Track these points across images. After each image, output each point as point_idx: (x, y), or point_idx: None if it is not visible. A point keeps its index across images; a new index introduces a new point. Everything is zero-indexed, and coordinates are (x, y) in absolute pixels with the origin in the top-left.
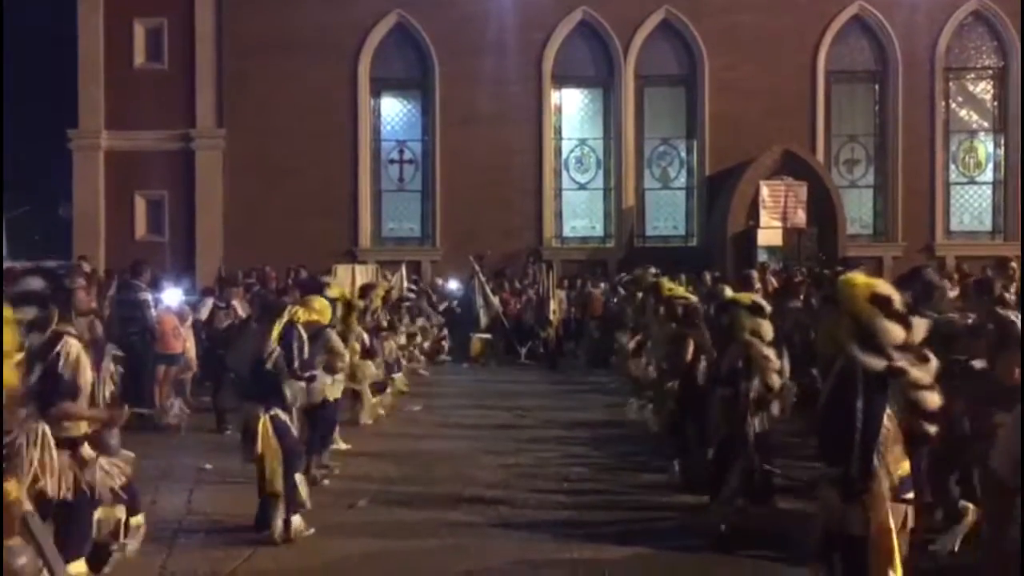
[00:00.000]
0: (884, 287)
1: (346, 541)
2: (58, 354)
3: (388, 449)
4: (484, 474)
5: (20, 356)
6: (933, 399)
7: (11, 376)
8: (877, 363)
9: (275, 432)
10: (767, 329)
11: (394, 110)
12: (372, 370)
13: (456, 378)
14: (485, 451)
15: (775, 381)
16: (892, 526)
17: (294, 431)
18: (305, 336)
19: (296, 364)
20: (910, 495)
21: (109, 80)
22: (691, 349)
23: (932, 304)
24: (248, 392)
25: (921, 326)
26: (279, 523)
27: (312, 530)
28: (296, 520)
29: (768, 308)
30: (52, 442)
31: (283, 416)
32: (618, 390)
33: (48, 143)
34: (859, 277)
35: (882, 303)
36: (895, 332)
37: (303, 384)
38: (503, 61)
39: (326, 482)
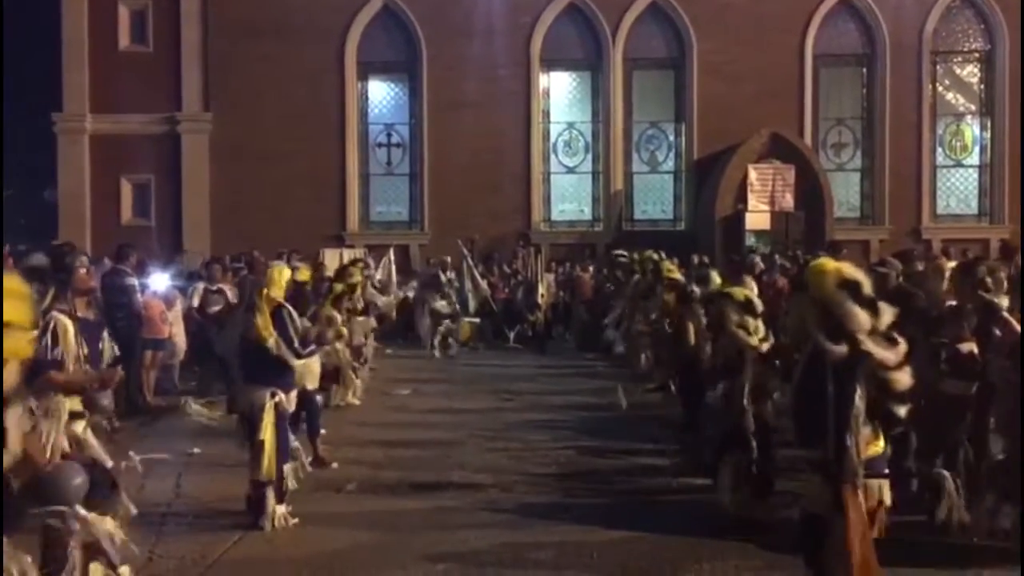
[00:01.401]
0: (852, 272)
1: (334, 525)
2: (45, 331)
3: (376, 434)
4: (472, 458)
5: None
6: (901, 380)
7: (26, 348)
8: (840, 350)
9: (276, 420)
10: (754, 326)
11: (381, 93)
12: (348, 355)
13: (444, 362)
14: (473, 435)
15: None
16: (863, 505)
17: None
18: (296, 315)
19: (296, 343)
20: (885, 472)
21: (94, 63)
22: (693, 334)
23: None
24: (251, 376)
25: (888, 311)
26: (270, 511)
27: (296, 520)
28: (280, 509)
29: (760, 307)
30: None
31: (286, 403)
32: (606, 373)
33: (32, 126)
34: (828, 263)
35: (851, 288)
36: (862, 318)
37: (306, 361)
38: (491, 44)
39: (335, 465)
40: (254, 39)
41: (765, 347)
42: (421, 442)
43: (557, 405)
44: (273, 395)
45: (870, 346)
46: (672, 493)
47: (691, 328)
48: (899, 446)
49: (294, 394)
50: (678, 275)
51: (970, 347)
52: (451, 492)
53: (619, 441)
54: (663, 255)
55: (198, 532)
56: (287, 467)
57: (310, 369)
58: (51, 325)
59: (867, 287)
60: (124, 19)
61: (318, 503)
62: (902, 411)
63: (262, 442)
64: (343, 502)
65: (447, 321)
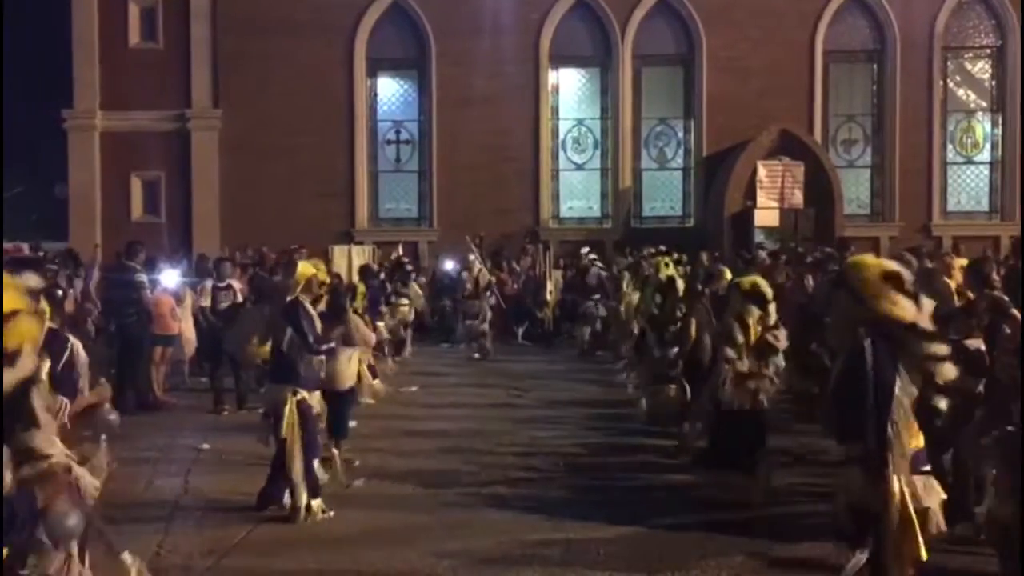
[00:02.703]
0: (893, 265)
1: (342, 519)
2: (67, 356)
3: (384, 429)
4: (479, 454)
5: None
6: (949, 371)
7: (37, 330)
8: (909, 312)
9: (299, 417)
10: (755, 313)
11: (391, 90)
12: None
13: (453, 359)
14: (481, 431)
15: (734, 361)
16: (909, 498)
17: (317, 414)
18: (313, 312)
19: (311, 339)
20: (926, 468)
21: (104, 60)
22: (694, 328)
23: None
24: (275, 375)
25: (928, 304)
26: (292, 503)
27: (331, 513)
28: (316, 503)
29: (769, 294)
30: None
31: (309, 400)
32: (613, 370)
33: (43, 123)
34: (867, 258)
35: (895, 280)
36: (910, 307)
37: (323, 358)
38: (500, 41)
39: (357, 462)
40: (263, 36)
41: (780, 336)
42: (429, 438)
43: (564, 401)
44: (295, 393)
45: (923, 324)
46: (679, 489)
47: (693, 323)
48: None
49: (317, 395)
50: (673, 271)
51: (977, 343)
52: (458, 488)
53: (626, 437)
54: (662, 249)
55: (206, 527)
56: (315, 463)
57: (340, 370)
58: (72, 352)
59: (908, 280)
60: (134, 16)
61: (325, 499)
62: (943, 404)
63: (285, 440)
64: (351, 495)
65: (474, 322)
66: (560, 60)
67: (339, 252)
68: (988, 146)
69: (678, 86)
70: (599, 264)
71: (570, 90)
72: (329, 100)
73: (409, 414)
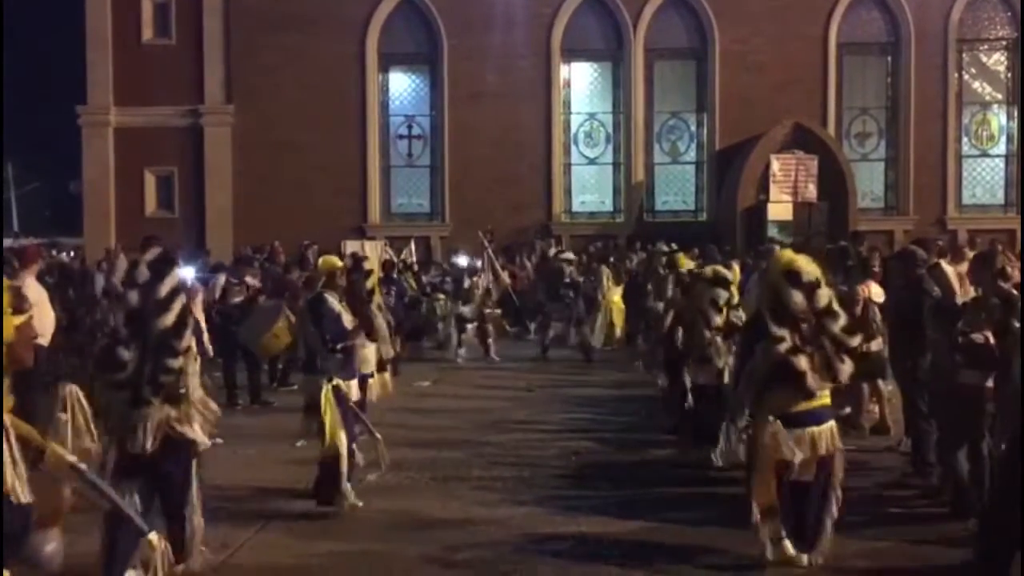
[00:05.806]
0: (797, 264)
1: (355, 516)
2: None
3: (396, 424)
4: (492, 448)
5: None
6: (852, 340)
7: (9, 332)
8: (798, 300)
9: (336, 401)
10: (723, 296)
11: (402, 85)
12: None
13: (465, 353)
14: (493, 425)
15: (711, 339)
16: (768, 453)
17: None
18: (338, 307)
19: (327, 337)
20: (813, 428)
21: (117, 55)
22: (671, 318)
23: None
24: (307, 367)
25: (824, 295)
26: (346, 488)
27: (361, 503)
28: (347, 487)
29: (730, 277)
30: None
31: (344, 387)
32: (626, 364)
33: (57, 120)
34: (783, 253)
35: (791, 276)
36: (797, 299)
37: (340, 357)
38: (511, 35)
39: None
40: (276, 31)
41: (741, 316)
42: (441, 432)
43: (577, 396)
44: (330, 380)
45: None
46: (694, 484)
47: (671, 313)
48: (921, 438)
49: (354, 383)
50: (692, 264)
51: (983, 336)
52: (471, 482)
53: (638, 432)
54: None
55: (220, 520)
56: (352, 445)
57: (364, 357)
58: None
59: (806, 275)
60: (147, 12)
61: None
62: (845, 368)
63: (324, 424)
64: (363, 493)
65: (470, 326)
66: (572, 54)
67: (352, 247)
68: (1003, 139)
69: (691, 80)
70: (567, 258)
71: (582, 84)
72: (341, 95)
73: (421, 407)
